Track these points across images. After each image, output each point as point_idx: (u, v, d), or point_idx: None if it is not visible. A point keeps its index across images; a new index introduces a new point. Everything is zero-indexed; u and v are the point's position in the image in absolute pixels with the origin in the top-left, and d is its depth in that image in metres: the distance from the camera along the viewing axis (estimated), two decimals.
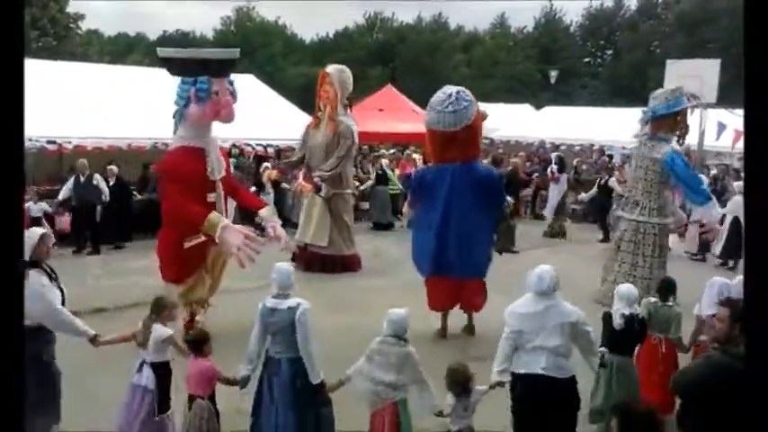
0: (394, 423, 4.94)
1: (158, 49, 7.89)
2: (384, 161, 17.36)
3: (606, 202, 15.07)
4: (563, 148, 23.85)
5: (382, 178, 16.70)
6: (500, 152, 23.05)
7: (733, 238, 12.46)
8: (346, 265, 11.94)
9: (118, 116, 14.13)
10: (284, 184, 15.07)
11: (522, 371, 5.04)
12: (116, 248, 13.08)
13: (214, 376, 5.05)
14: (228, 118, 7.78)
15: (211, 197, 7.78)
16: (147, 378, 5.02)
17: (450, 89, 8.15)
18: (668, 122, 9.76)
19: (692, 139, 17.67)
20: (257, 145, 16.44)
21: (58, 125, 12.74)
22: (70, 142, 13.22)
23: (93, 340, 5.28)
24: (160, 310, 5.19)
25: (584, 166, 18.90)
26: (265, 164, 15.08)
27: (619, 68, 48.53)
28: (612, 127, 22.51)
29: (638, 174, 10.00)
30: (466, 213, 8.12)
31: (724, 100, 16.73)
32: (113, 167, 13.36)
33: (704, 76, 16.25)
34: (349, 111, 12.28)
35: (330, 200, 11.76)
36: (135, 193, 14.08)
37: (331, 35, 55.05)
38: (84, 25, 39.50)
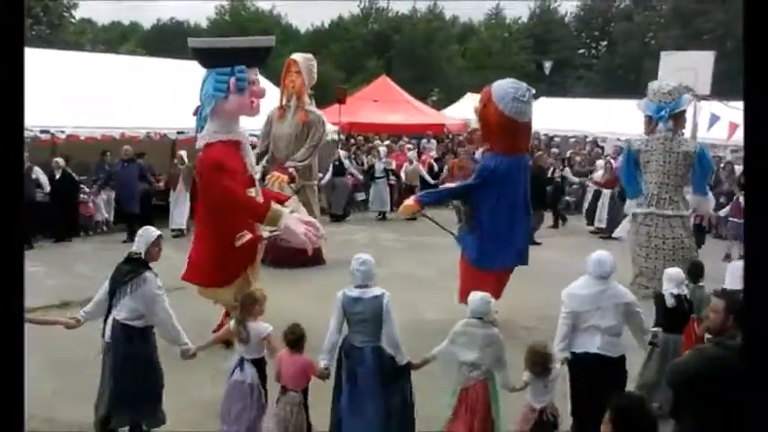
0: (484, 400, 5.14)
1: (189, 39, 7.55)
2: (342, 152, 17.14)
3: (559, 192, 16.85)
4: (557, 139, 23.88)
5: (339, 170, 16.47)
6: None
7: None
8: (316, 257, 11.17)
9: (111, 106, 14.06)
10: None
11: (579, 350, 5.37)
12: (57, 242, 12.96)
13: (311, 370, 5.13)
14: (258, 109, 7.64)
15: (251, 192, 7.47)
16: (251, 375, 5.12)
17: (518, 81, 8.32)
18: (681, 117, 10.54)
19: (685, 132, 17.81)
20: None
21: (51, 114, 12.66)
22: (63, 132, 13.15)
23: (185, 353, 5.35)
24: (251, 305, 5.21)
25: (578, 158, 18.92)
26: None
27: (613, 60, 48.47)
28: (607, 118, 22.54)
29: (668, 169, 10.35)
30: (529, 204, 8.70)
31: (718, 92, 16.74)
32: (59, 160, 13.22)
33: (698, 68, 16.21)
34: (313, 101, 12.10)
35: (298, 192, 11.02)
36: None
37: (326, 25, 54.85)
38: (78, 14, 39.20)
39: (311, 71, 11.76)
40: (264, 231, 7.49)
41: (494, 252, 8.28)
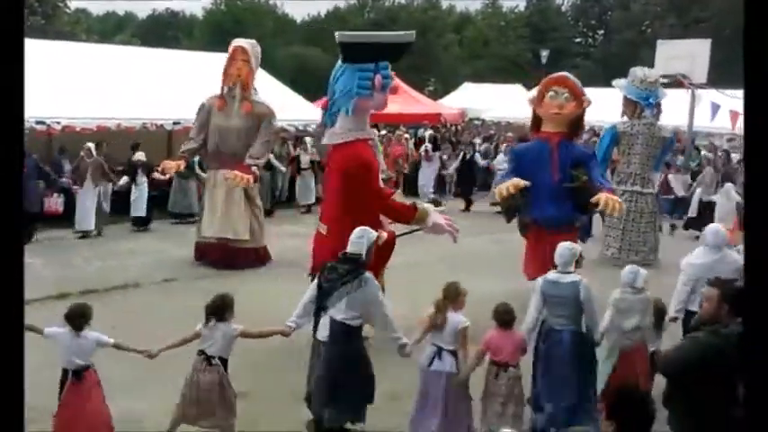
0: (644, 360, 5.66)
1: (338, 33, 7.23)
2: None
3: (469, 175, 17.34)
4: None
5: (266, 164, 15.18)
6: (491, 132, 23.12)
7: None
8: (261, 257, 10.91)
9: (107, 96, 14.00)
10: (200, 173, 13.13)
11: (696, 308, 5.63)
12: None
13: (525, 346, 5.51)
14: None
15: (398, 193, 7.73)
16: (450, 364, 5.25)
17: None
18: (660, 105, 11.73)
19: (681, 120, 17.83)
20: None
21: (46, 105, 12.59)
22: (59, 123, 13.09)
23: (402, 349, 5.38)
24: (455, 296, 5.30)
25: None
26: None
27: (610, 48, 48.42)
28: (604, 107, 22.45)
29: (650, 152, 11.68)
30: None
31: (714, 80, 16.73)
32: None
33: (695, 57, 16.22)
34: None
35: (246, 189, 10.61)
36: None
37: (322, 15, 54.64)
38: (72, 4, 39.02)
39: (258, 59, 10.88)
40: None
41: None
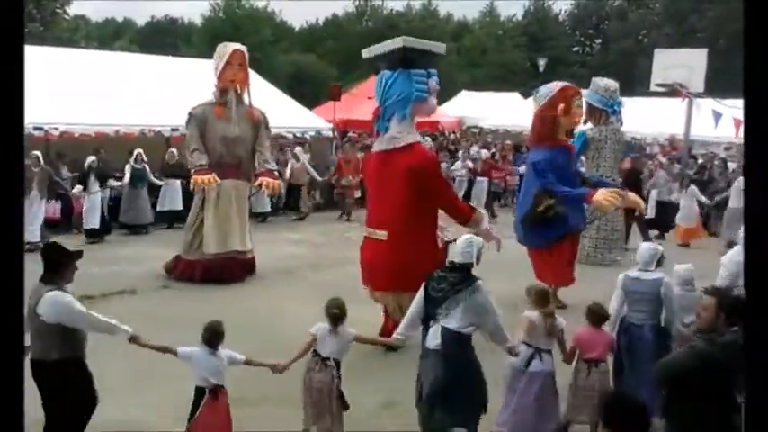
0: None
1: (404, 38, 7.53)
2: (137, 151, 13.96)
3: None
4: None
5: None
6: (488, 140, 23.16)
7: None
8: (253, 266, 10.66)
9: (105, 103, 14.03)
10: (155, 181, 13.70)
11: None
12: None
13: (614, 343, 5.79)
14: None
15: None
16: (550, 364, 5.51)
17: (545, 85, 9.53)
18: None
19: (677, 129, 17.89)
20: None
21: (44, 111, 12.59)
22: (57, 129, 13.11)
23: (512, 350, 5.43)
24: (546, 301, 5.55)
25: None
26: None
27: (607, 57, 48.59)
28: None
29: (616, 156, 12.50)
30: (523, 190, 9.58)
31: (711, 90, 16.80)
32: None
33: (692, 66, 16.31)
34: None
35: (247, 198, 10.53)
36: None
37: (321, 22, 54.81)
38: (71, 10, 39.07)
39: (248, 64, 10.64)
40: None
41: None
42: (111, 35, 57.72)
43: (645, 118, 21.54)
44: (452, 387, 5.07)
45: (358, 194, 15.75)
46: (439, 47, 7.98)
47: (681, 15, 42.48)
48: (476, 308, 5.14)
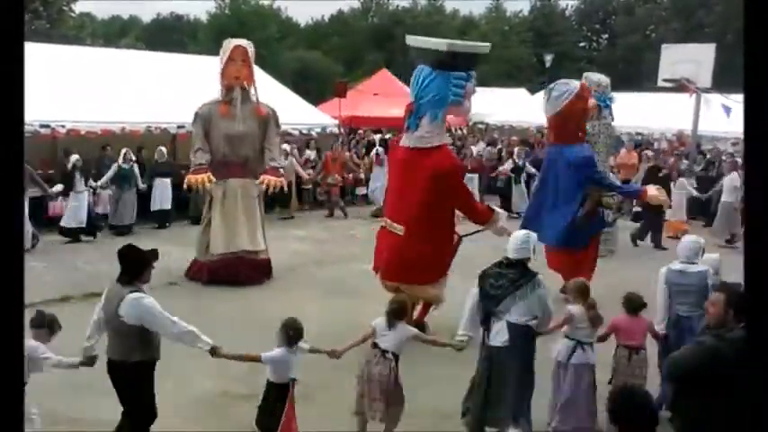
0: None
1: (450, 42, 7.56)
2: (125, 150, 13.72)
3: None
4: None
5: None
6: (494, 136, 23.12)
7: None
8: (269, 269, 10.42)
9: (112, 100, 14.05)
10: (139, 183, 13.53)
11: None
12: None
13: (654, 330, 6.01)
14: None
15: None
16: (590, 355, 5.66)
17: (556, 83, 9.34)
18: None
19: (685, 124, 17.79)
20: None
21: (51, 109, 12.65)
22: (64, 126, 13.14)
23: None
24: (587, 293, 5.74)
25: None
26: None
27: (614, 53, 48.44)
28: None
29: (608, 150, 12.60)
30: (550, 189, 9.22)
31: (719, 85, 16.71)
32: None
33: (699, 61, 16.23)
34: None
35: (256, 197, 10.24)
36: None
37: (326, 19, 54.78)
38: (77, 8, 39.10)
39: (254, 59, 10.38)
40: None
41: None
42: (117, 32, 57.77)
43: (652, 113, 21.51)
44: (520, 381, 5.23)
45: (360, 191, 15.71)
46: (483, 47, 8.03)
47: (688, 10, 42.28)
48: (539, 301, 5.32)
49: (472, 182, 16.70)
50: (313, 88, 33.84)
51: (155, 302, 4.67)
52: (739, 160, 17.17)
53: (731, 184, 13.98)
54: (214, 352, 4.83)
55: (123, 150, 13.32)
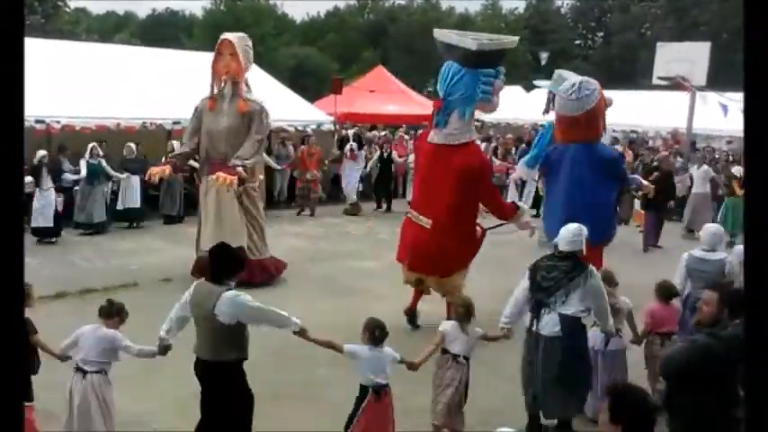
0: None
1: (477, 42, 7.48)
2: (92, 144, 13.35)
3: (387, 175, 16.90)
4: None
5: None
6: (490, 134, 23.13)
7: None
8: (265, 270, 9.90)
9: (107, 96, 14.00)
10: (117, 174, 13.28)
11: None
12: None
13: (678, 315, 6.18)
14: None
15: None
16: (623, 341, 5.97)
17: (576, 79, 8.92)
18: None
19: (680, 122, 17.85)
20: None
21: (46, 104, 12.59)
22: (59, 122, 13.10)
23: (611, 332, 5.78)
24: (614, 280, 5.97)
25: None
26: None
27: (610, 51, 48.47)
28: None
29: None
30: (586, 187, 8.72)
31: (714, 83, 16.78)
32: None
33: (694, 59, 16.30)
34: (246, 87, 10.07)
35: (240, 196, 9.67)
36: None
37: (322, 15, 54.68)
38: (72, 3, 39.02)
39: (248, 53, 9.92)
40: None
41: (551, 227, 8.96)
42: (112, 28, 57.55)
43: (647, 111, 21.55)
44: (573, 371, 5.28)
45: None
46: (510, 42, 8.09)
47: (683, 8, 42.34)
48: (593, 293, 5.36)
49: None
50: (309, 84, 33.80)
51: (249, 297, 4.71)
52: (717, 155, 17.36)
53: (702, 176, 14.44)
54: (300, 333, 4.86)
55: (90, 145, 12.94)
